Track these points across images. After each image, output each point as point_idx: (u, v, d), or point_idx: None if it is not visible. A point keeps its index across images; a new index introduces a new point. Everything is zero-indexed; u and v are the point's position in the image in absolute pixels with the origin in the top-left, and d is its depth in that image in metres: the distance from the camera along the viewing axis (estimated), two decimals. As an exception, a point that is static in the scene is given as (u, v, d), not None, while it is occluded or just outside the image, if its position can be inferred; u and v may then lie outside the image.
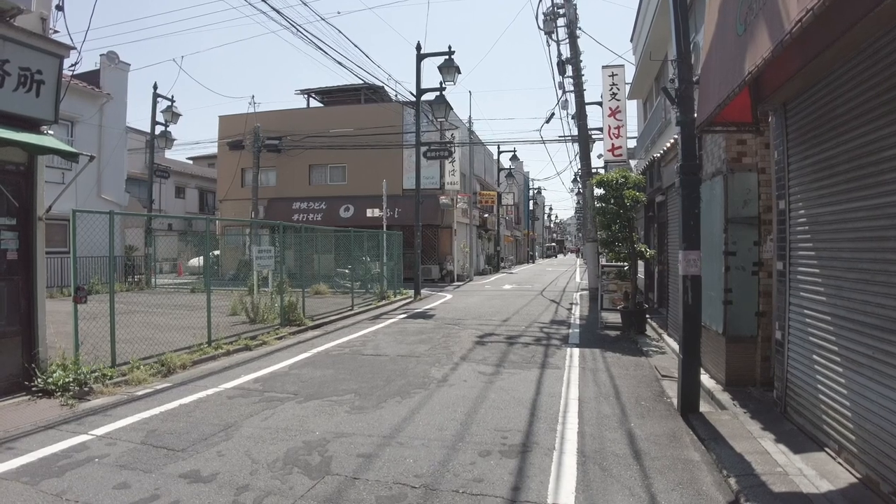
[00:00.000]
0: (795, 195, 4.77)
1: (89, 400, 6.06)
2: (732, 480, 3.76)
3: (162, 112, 22.08)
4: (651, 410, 5.51)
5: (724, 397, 5.75)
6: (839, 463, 3.88)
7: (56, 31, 6.82)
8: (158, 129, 22.45)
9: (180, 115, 22.44)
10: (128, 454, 4.39)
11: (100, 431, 4.95)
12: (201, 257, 25.91)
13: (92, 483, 3.85)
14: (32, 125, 6.26)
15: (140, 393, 6.32)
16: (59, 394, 6.04)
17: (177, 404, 5.83)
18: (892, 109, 3.23)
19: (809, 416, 4.45)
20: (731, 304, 6.00)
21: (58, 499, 3.63)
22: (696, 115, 5.24)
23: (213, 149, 32.99)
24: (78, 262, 6.78)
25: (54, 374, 6.20)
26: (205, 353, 8.22)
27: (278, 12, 12.43)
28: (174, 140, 22.84)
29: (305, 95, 30.07)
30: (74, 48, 6.53)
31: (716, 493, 3.65)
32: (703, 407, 5.40)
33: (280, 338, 9.99)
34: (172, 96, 22.43)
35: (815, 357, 4.35)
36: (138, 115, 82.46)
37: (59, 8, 6.81)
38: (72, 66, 6.66)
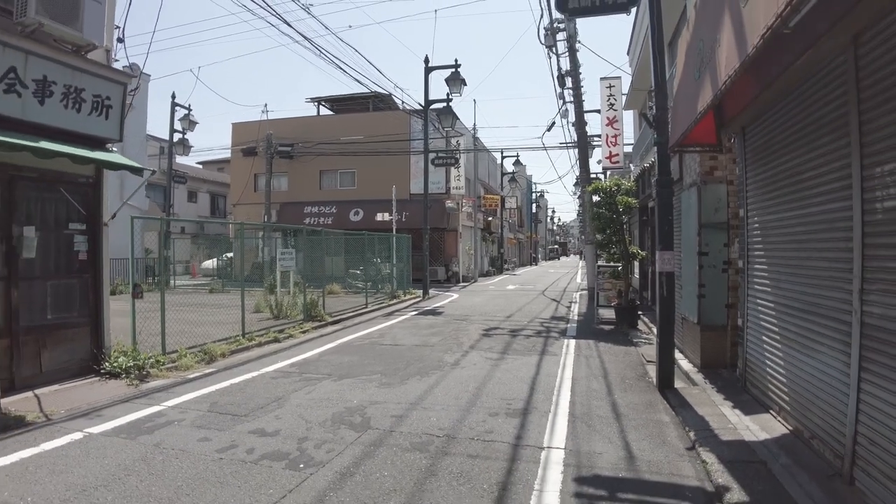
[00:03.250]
0: (752, 204, 5.73)
1: (148, 382, 7.01)
2: (692, 433, 4.73)
3: (180, 120, 23.15)
4: (633, 386, 6.49)
5: (698, 377, 6.71)
6: (778, 421, 4.84)
7: (117, 60, 7.84)
8: (175, 137, 23.50)
9: (197, 122, 23.51)
10: (200, 418, 5.36)
11: (170, 403, 5.92)
12: (215, 259, 26.96)
13: (179, 437, 4.81)
14: (100, 143, 7.26)
15: (191, 376, 7.27)
16: (123, 376, 6.98)
17: (228, 384, 6.80)
18: (808, 142, 4.20)
19: (760, 387, 5.41)
20: (704, 297, 6.96)
21: (156, 448, 4.58)
22: (669, 137, 6.21)
23: (224, 154, 34.08)
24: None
25: (119, 360, 7.16)
26: (240, 344, 9.20)
27: (298, 32, 13.42)
28: (191, 147, 23.87)
29: (315, 103, 31.14)
30: (135, 76, 7.52)
31: (677, 442, 4.62)
32: (679, 384, 6.36)
33: (304, 331, 10.97)
34: (189, 105, 23.51)
35: (763, 338, 5.31)
36: (153, 123, 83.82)
37: (121, 40, 7.85)
38: (132, 90, 7.66)
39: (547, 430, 4.86)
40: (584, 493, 3.63)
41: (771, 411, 5.04)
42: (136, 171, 7.11)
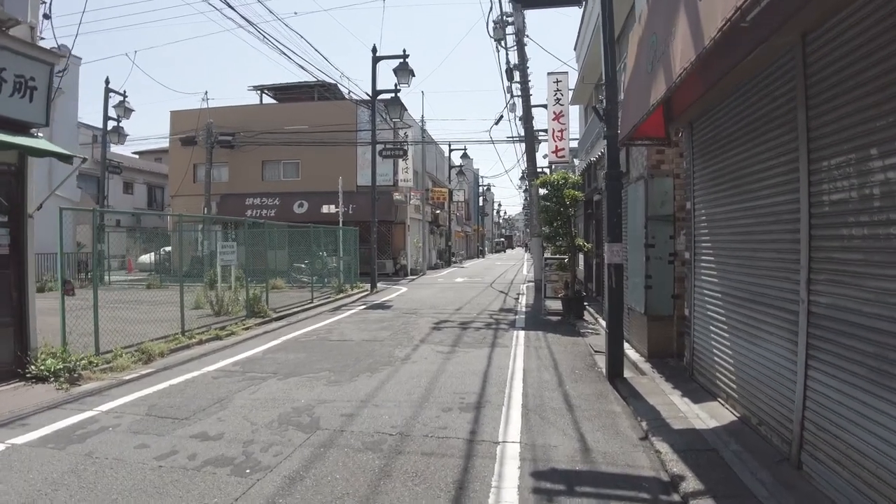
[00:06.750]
0: (699, 198, 5.85)
1: (80, 385, 6.53)
2: (644, 423, 4.78)
3: (114, 107, 21.93)
4: (583, 377, 6.55)
5: (646, 367, 6.84)
6: (726, 408, 4.96)
7: (42, 38, 7.26)
8: (110, 125, 22.26)
9: (133, 110, 22.35)
10: (137, 423, 5.02)
11: (104, 408, 5.52)
12: (152, 253, 25.85)
13: (114, 445, 4.47)
14: (24, 128, 6.71)
15: (128, 377, 6.84)
16: (52, 379, 6.47)
17: (167, 385, 6.44)
18: (755, 137, 4.29)
19: (708, 375, 5.54)
20: (651, 288, 7.10)
21: (88, 458, 4.23)
22: (619, 130, 6.26)
23: (160, 143, 32.63)
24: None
25: (46, 362, 6.65)
26: (180, 343, 8.77)
27: (242, 16, 12.89)
28: (127, 135, 22.69)
29: (258, 91, 30.19)
30: (64, 56, 6.99)
31: (630, 433, 4.66)
32: (628, 374, 6.45)
33: (247, 328, 10.58)
34: (125, 91, 22.33)
35: (710, 328, 5.44)
36: (86, 110, 79.26)
37: (47, 16, 7.28)
38: (60, 72, 7.11)
39: (501, 424, 4.81)
40: (542, 489, 3.58)
41: (719, 399, 5.17)
42: (65, 159, 6.61)
